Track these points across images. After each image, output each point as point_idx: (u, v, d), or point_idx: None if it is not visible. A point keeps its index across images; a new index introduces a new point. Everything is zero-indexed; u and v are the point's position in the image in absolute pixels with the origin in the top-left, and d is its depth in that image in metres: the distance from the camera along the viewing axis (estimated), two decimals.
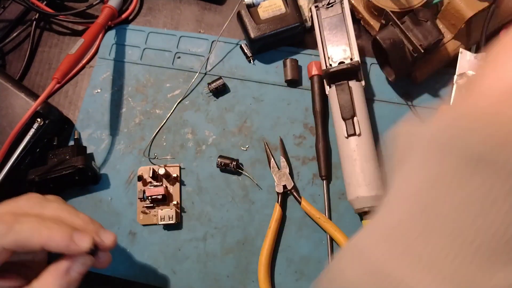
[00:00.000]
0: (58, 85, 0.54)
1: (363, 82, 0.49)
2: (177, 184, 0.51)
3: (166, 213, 0.48)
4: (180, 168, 0.51)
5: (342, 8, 0.51)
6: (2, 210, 0.36)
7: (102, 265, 0.37)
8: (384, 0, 0.50)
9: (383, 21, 0.48)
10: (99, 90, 0.55)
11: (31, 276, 0.36)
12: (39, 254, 0.40)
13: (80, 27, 0.60)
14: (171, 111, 0.54)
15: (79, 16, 0.60)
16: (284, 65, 0.53)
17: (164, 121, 0.53)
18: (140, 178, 0.50)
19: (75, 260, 0.35)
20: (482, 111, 0.23)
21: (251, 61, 0.55)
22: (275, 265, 0.47)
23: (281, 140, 0.51)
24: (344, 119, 0.47)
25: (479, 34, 0.49)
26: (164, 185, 0.50)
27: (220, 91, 0.53)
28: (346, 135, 0.47)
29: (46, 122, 0.50)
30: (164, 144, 0.53)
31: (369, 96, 0.52)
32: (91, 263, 0.36)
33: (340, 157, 0.48)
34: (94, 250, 0.36)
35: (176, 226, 0.49)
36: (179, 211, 0.50)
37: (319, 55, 0.51)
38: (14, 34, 0.59)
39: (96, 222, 0.39)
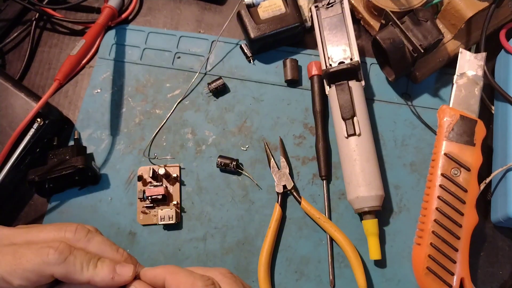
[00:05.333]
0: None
1: (363, 82, 0.49)
2: (177, 184, 0.51)
3: (166, 213, 0.48)
4: (180, 168, 0.51)
5: (342, 8, 0.51)
6: (51, 236, 0.36)
7: None
8: (384, 0, 0.50)
9: (383, 21, 0.48)
10: (99, 90, 0.55)
11: None
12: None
13: (80, 27, 0.60)
14: (171, 111, 0.54)
15: (74, 10, 0.61)
16: (284, 65, 0.53)
17: (164, 121, 0.53)
18: (140, 178, 0.50)
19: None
20: None
21: (251, 61, 0.55)
22: (275, 265, 0.47)
23: (281, 140, 0.51)
24: (344, 119, 0.47)
25: (479, 34, 0.49)
26: (164, 185, 0.50)
27: (220, 91, 0.53)
28: (346, 135, 0.47)
29: (46, 122, 0.50)
30: (164, 144, 0.53)
31: (369, 96, 0.52)
32: None
33: (340, 157, 0.48)
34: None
35: (176, 226, 0.49)
36: (179, 211, 0.50)
37: (319, 55, 0.51)
38: (14, 34, 0.59)
39: (134, 258, 0.40)
